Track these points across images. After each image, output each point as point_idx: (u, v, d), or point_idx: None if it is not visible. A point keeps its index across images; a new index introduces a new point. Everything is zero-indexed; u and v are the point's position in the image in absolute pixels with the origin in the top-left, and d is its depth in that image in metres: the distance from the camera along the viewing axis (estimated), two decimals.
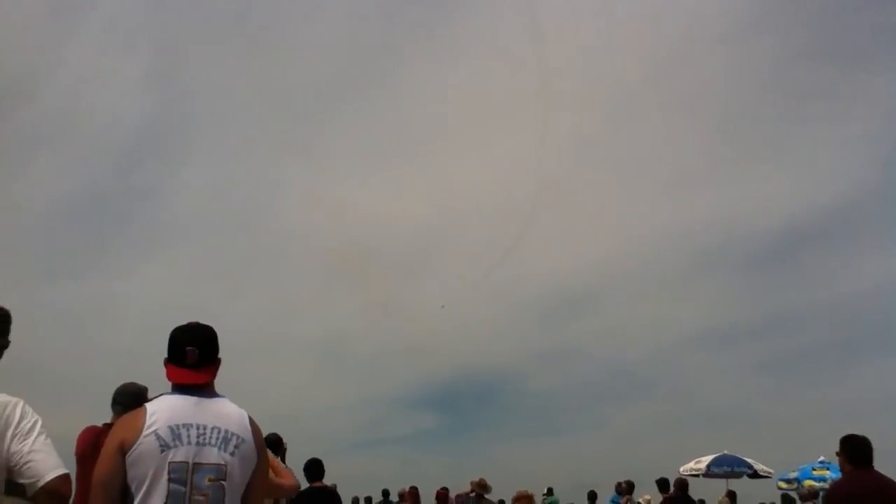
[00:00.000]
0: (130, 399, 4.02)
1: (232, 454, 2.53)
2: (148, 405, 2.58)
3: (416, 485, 14.13)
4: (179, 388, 2.63)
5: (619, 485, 14.09)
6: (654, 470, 13.54)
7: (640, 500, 13.80)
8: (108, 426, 4.25)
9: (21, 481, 2.40)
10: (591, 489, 15.31)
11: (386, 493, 15.64)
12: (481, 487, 9.98)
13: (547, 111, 30.77)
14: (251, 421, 2.67)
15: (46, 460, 2.41)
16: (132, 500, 2.42)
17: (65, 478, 2.42)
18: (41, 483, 2.36)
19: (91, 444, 4.01)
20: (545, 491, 15.77)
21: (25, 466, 2.38)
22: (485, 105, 33.51)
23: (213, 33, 36.39)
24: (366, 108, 35.14)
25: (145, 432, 2.46)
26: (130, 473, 2.43)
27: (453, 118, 33.87)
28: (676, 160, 32.80)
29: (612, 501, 14.18)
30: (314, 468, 6.82)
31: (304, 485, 6.70)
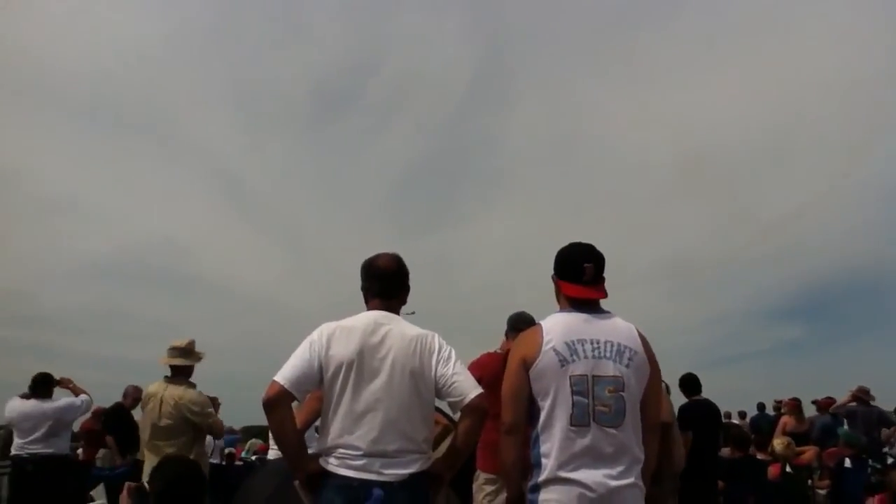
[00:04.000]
0: (526, 325, 3.99)
1: (626, 366, 2.56)
2: (543, 323, 2.69)
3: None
4: (573, 305, 2.72)
5: None
6: None
7: None
8: (496, 353, 4.63)
9: (448, 400, 2.73)
10: None
11: (762, 407, 15.55)
12: (864, 394, 9.65)
13: None
14: (640, 334, 2.68)
15: (467, 381, 2.70)
16: (538, 412, 2.56)
17: (483, 396, 2.67)
18: (466, 401, 2.64)
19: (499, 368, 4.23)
20: None
21: (452, 387, 2.68)
22: None
23: None
24: (683, 14, 33.34)
25: (544, 348, 2.57)
26: (535, 387, 2.57)
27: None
28: None
29: None
30: (691, 382, 7.06)
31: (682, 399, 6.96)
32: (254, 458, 12.98)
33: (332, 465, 2.61)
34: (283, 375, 2.59)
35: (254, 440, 15.89)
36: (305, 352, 2.68)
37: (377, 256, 2.98)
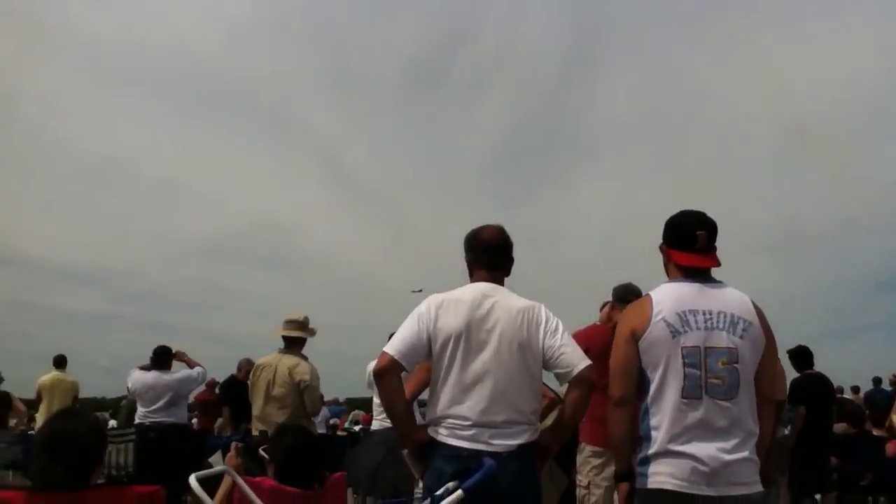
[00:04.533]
0: (634, 297, 3.95)
1: (741, 337, 2.48)
2: (652, 293, 2.63)
3: None
4: (684, 274, 2.64)
5: None
6: None
7: None
8: (601, 326, 4.64)
9: (556, 371, 2.73)
10: None
11: (877, 381, 14.90)
12: None
13: None
14: (754, 305, 2.59)
15: (575, 353, 2.69)
16: (648, 384, 2.52)
17: (592, 368, 2.66)
18: (575, 372, 2.65)
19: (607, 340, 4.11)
20: None
21: (559, 358, 2.68)
22: None
23: None
24: None
25: (654, 319, 2.51)
26: (644, 359, 2.52)
27: None
28: None
29: None
30: (803, 355, 6.84)
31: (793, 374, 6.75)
32: (356, 428, 13.39)
33: (442, 434, 2.65)
34: (393, 347, 2.64)
35: (357, 411, 16.39)
36: (414, 324, 2.72)
37: (482, 228, 2.97)
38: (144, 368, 7.06)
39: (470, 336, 2.68)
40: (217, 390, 8.89)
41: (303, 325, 5.58)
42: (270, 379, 5.31)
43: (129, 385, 7.02)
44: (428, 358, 2.74)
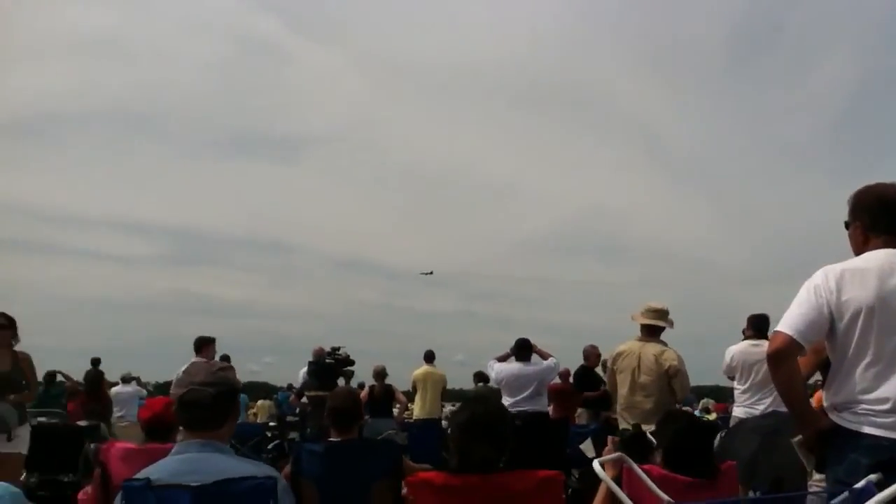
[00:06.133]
0: None
1: None
2: None
3: None
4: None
5: None
6: None
7: None
8: None
9: None
10: None
11: None
12: None
13: None
14: None
15: None
16: None
17: None
18: None
19: None
20: None
21: None
22: None
23: None
24: None
25: None
26: None
27: None
28: None
29: None
30: None
31: None
32: (711, 416, 12.90)
33: (851, 422, 2.38)
34: (790, 325, 2.42)
35: (706, 399, 15.80)
36: (811, 297, 2.46)
37: (888, 186, 2.58)
38: (501, 359, 7.52)
39: (884, 309, 2.36)
40: (570, 379, 9.16)
41: (663, 313, 5.53)
42: (635, 366, 5.31)
43: (494, 375, 7.53)
44: (826, 336, 2.47)
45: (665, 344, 5.43)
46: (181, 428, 2.52)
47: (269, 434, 9.50)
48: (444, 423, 11.27)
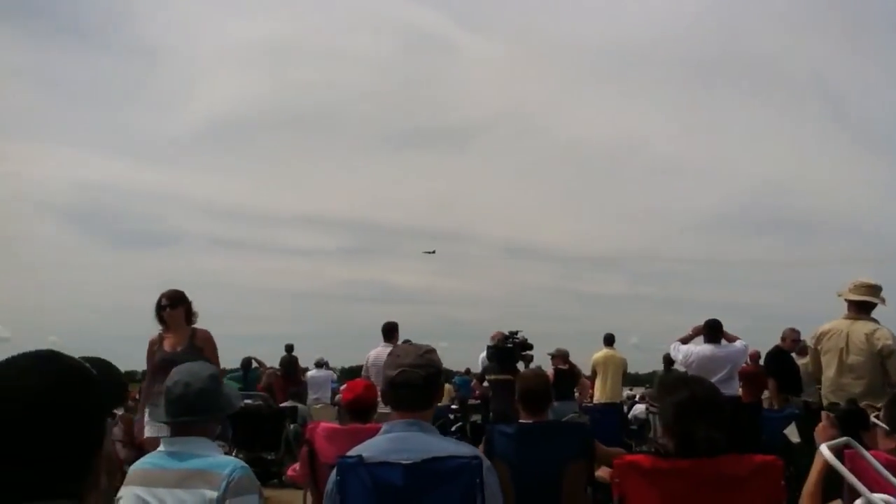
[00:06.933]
0: None
1: None
2: None
3: None
4: None
5: None
6: None
7: None
8: None
9: None
10: None
11: None
12: None
13: None
14: None
15: None
16: None
17: None
18: None
19: None
20: None
21: None
22: None
23: None
24: None
25: None
26: None
27: None
28: None
29: None
30: None
31: None
32: None
33: None
34: None
35: None
36: None
37: None
38: (683, 341, 7.24)
39: None
40: (761, 361, 8.64)
41: (876, 289, 5.10)
42: (843, 346, 4.90)
43: (681, 357, 7.25)
44: None
45: (877, 322, 4.98)
46: (386, 408, 2.62)
47: (451, 417, 9.73)
48: (624, 407, 11.02)
